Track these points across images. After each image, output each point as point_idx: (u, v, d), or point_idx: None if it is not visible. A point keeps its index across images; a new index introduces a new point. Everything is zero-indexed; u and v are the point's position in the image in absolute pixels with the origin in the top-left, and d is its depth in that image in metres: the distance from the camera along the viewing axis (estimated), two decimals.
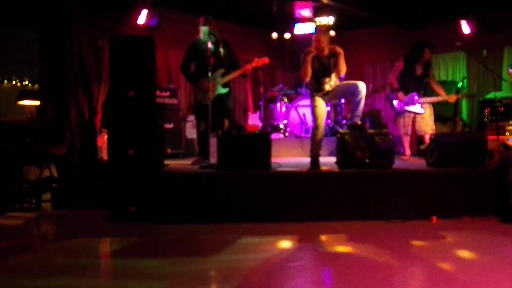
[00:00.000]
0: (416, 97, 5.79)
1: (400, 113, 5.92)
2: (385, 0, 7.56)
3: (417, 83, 5.86)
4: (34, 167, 5.70)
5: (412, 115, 5.87)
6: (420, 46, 5.89)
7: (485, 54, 6.49)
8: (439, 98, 5.90)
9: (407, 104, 5.83)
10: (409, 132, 5.98)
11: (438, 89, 5.95)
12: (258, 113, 8.26)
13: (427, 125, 5.82)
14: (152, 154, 4.52)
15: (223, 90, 5.24)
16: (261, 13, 8.28)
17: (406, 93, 5.83)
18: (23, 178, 5.54)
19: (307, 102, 7.85)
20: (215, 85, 5.16)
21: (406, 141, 6.02)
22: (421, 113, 5.80)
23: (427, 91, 6.03)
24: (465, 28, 7.29)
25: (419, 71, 5.87)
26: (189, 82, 5.45)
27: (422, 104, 5.81)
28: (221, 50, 5.12)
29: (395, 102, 5.93)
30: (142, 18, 6.64)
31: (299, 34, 8.71)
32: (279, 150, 7.25)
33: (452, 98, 5.92)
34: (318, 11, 8.20)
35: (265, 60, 5.40)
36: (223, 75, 5.24)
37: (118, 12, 6.50)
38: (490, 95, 6.95)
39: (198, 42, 5.23)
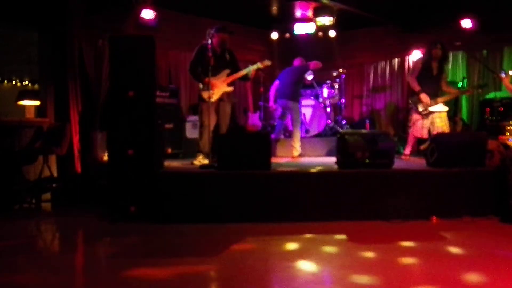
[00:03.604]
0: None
1: (426, 115, 5.81)
2: (385, 0, 7.56)
3: (434, 83, 5.83)
4: (34, 167, 5.71)
5: (430, 117, 5.82)
6: (430, 45, 5.89)
7: (485, 54, 6.47)
8: (457, 93, 6.13)
9: (430, 105, 5.78)
10: (426, 135, 5.85)
11: (448, 89, 5.96)
12: (258, 113, 8.26)
13: (445, 125, 5.80)
14: (152, 154, 4.52)
15: (229, 88, 5.56)
16: (261, 13, 8.28)
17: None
18: (23, 178, 5.54)
19: (307, 102, 7.87)
20: (221, 83, 5.47)
21: (414, 141, 6.02)
22: (444, 110, 5.80)
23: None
24: (467, 23, 7.18)
25: (435, 71, 5.84)
26: (196, 81, 5.60)
27: (442, 102, 5.82)
28: (227, 55, 5.56)
29: (420, 107, 5.80)
30: (146, 14, 6.65)
31: (299, 34, 8.71)
32: (279, 150, 7.27)
33: (468, 91, 6.27)
34: (318, 11, 8.20)
35: (268, 63, 5.75)
36: (228, 75, 5.56)
37: (118, 12, 6.49)
38: (490, 95, 6.94)
39: (207, 45, 5.36)
